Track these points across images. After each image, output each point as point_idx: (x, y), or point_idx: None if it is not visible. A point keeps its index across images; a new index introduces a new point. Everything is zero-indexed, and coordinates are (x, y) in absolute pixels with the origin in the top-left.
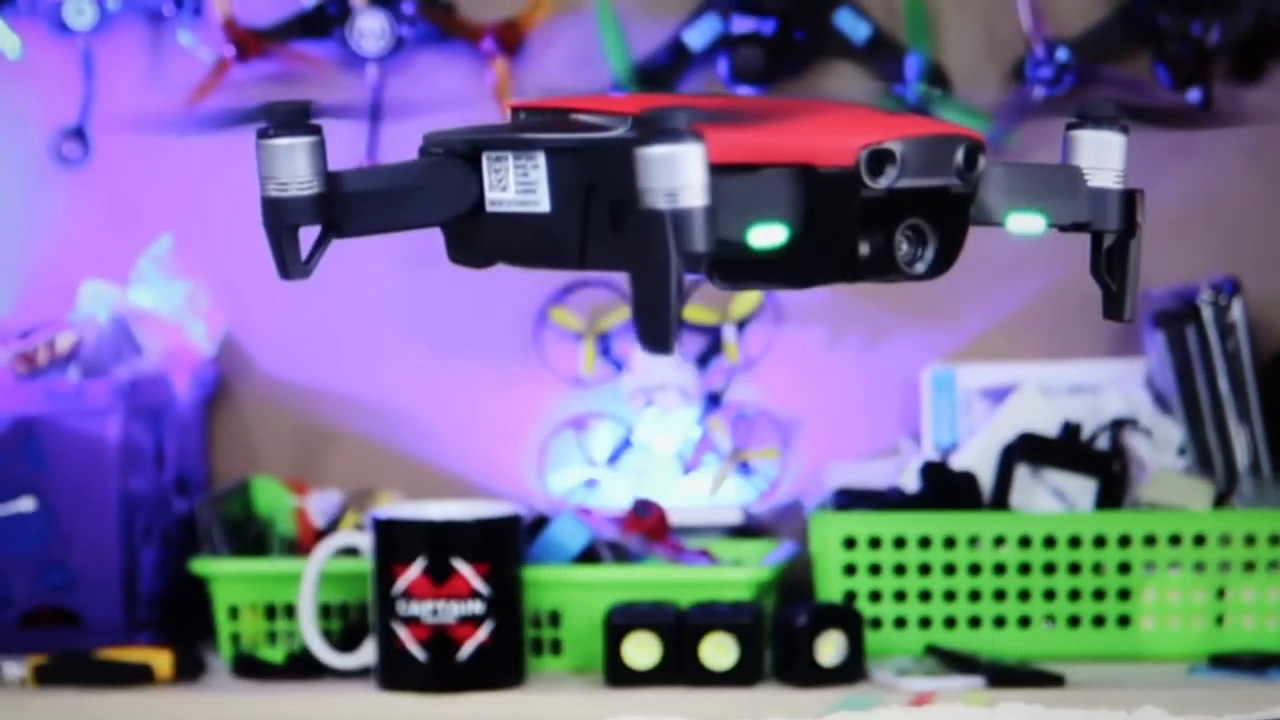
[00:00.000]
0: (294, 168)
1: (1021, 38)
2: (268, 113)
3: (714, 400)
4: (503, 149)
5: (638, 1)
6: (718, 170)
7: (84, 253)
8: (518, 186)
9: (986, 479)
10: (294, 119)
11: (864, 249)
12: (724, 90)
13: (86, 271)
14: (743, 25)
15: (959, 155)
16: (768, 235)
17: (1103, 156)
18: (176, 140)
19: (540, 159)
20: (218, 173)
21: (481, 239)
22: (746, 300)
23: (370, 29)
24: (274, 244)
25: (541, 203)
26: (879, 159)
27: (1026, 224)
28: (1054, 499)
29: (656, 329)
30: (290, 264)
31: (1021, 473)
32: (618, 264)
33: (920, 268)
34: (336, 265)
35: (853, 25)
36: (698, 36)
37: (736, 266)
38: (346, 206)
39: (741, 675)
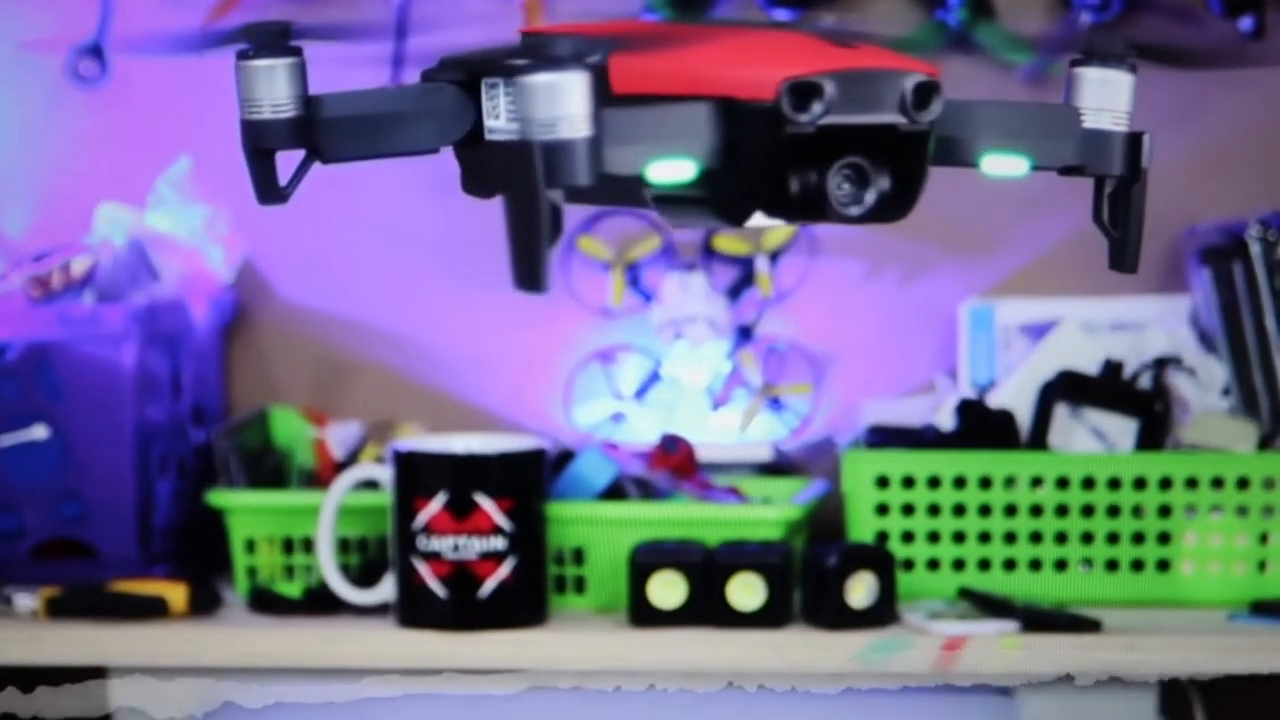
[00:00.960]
0: (272, 91)
1: None
2: (246, 33)
3: (745, 333)
4: (496, 75)
5: None
6: (625, 101)
7: (100, 174)
8: (508, 115)
9: (1024, 418)
10: (272, 40)
11: (794, 187)
12: (761, 16)
13: (102, 194)
14: None
15: (907, 92)
16: (669, 170)
17: (1106, 97)
18: (196, 61)
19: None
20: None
21: (482, 169)
22: (780, 232)
23: None
24: (251, 168)
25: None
26: (804, 93)
27: (1004, 165)
28: (1094, 439)
29: (528, 266)
30: (266, 188)
31: (1060, 412)
32: (606, 198)
33: (855, 210)
34: (357, 191)
35: None
36: None
37: (673, 200)
38: (326, 131)
39: (769, 616)
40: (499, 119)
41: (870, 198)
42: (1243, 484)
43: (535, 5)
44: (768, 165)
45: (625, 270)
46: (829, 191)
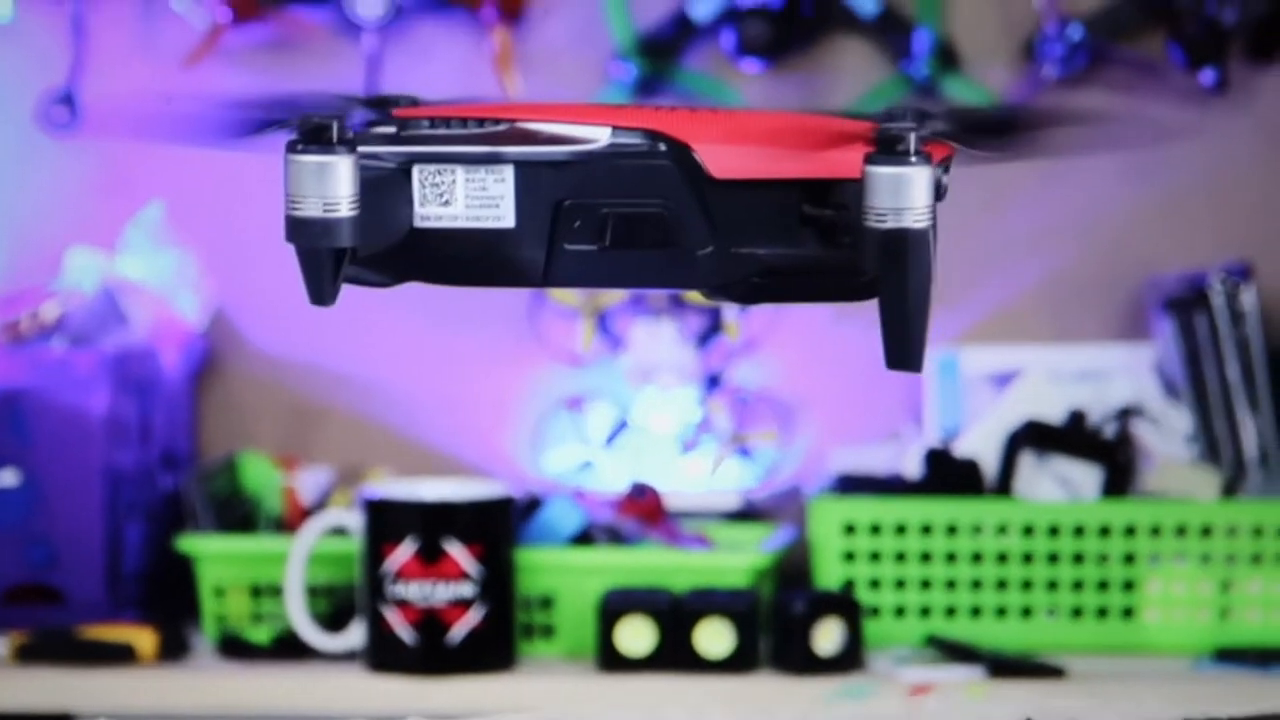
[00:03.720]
0: (321, 188)
1: (1034, 14)
2: (300, 125)
3: (714, 381)
4: (453, 162)
5: None
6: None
7: (71, 219)
8: (470, 201)
9: (991, 465)
10: (329, 133)
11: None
12: (727, 66)
13: (74, 238)
14: None
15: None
16: None
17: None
18: (167, 108)
19: (507, 172)
20: None
21: (402, 254)
22: None
23: None
24: (310, 267)
25: (505, 218)
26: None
27: None
28: (1059, 487)
29: (913, 349)
30: (326, 288)
31: (1026, 460)
32: (588, 281)
33: None
34: None
35: (861, 0)
36: (703, 8)
37: (771, 283)
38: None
39: (737, 663)
40: (450, 205)
41: None
42: (1206, 532)
43: (507, 58)
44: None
45: (595, 317)
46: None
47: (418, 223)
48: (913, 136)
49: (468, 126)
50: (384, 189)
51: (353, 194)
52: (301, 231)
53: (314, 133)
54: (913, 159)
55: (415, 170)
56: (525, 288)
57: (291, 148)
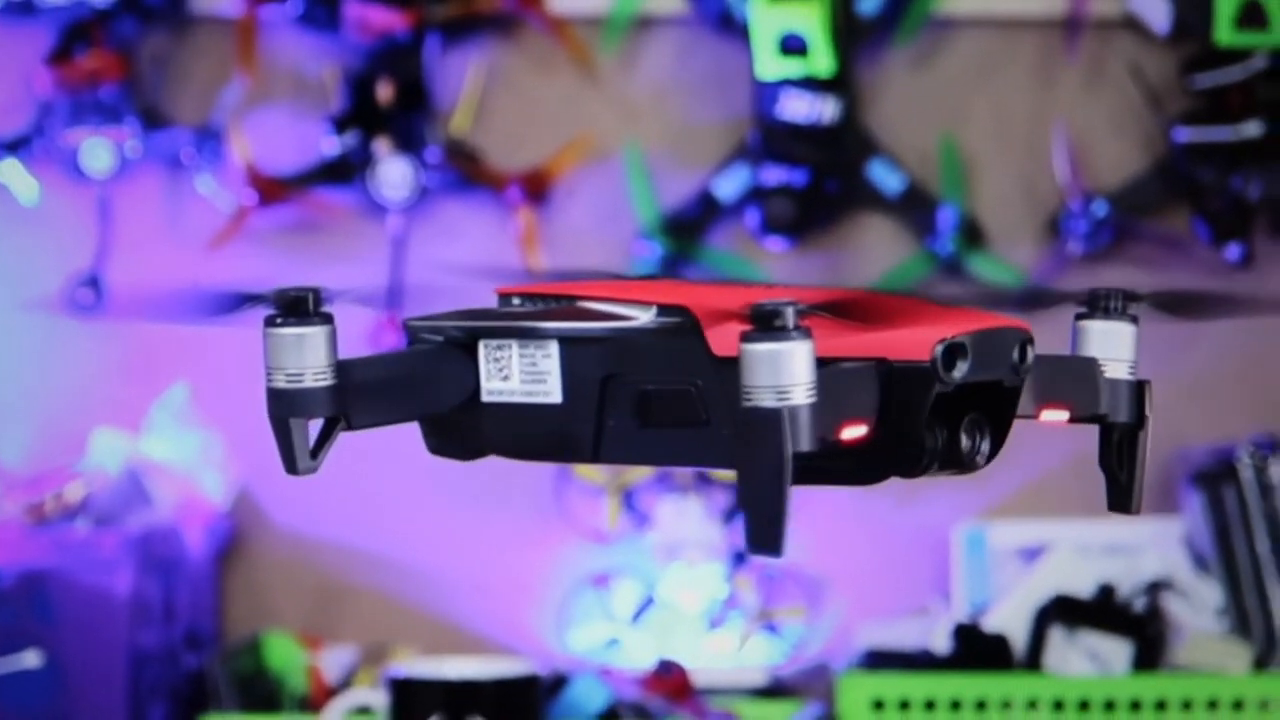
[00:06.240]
0: (302, 359)
1: (1058, 191)
2: (276, 300)
3: (740, 557)
4: (507, 337)
5: (666, 150)
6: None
7: (96, 400)
8: (524, 376)
9: (1020, 640)
10: (303, 306)
11: (930, 443)
12: (752, 244)
13: (99, 419)
14: (774, 176)
15: (1015, 349)
16: (855, 432)
17: (1113, 347)
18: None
19: (553, 348)
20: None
21: (473, 429)
22: None
23: (393, 177)
24: (281, 437)
25: (553, 394)
26: (952, 353)
27: (1055, 416)
28: (1089, 661)
29: (769, 532)
30: (299, 457)
31: (1056, 634)
32: (635, 458)
33: (980, 461)
34: None
35: (886, 177)
36: (727, 187)
37: (804, 467)
38: (357, 398)
39: None
40: (509, 380)
41: (985, 448)
42: (1238, 706)
43: (531, 237)
44: (913, 423)
45: (621, 494)
46: (959, 445)
47: (484, 397)
48: (790, 311)
49: (536, 304)
50: (450, 360)
51: (323, 365)
52: (272, 402)
53: (289, 306)
54: (792, 335)
55: (480, 345)
56: (579, 463)
57: (269, 321)
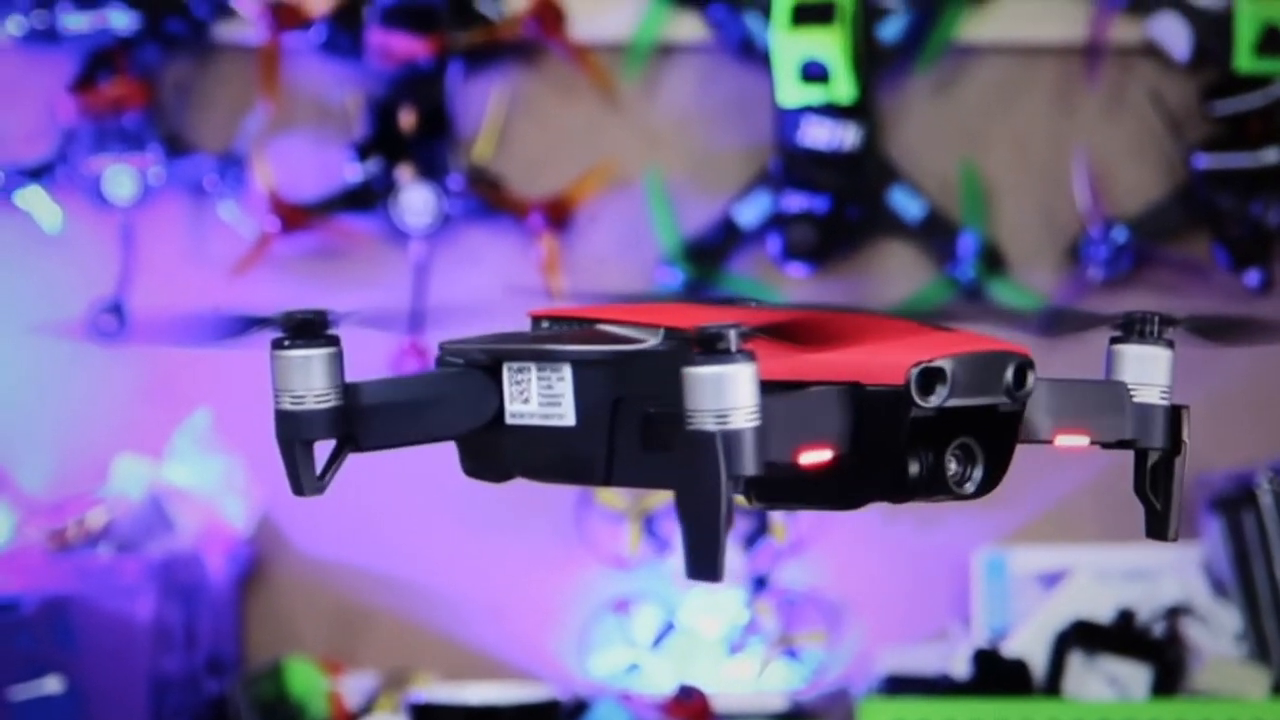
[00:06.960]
0: (309, 380)
1: (1079, 217)
2: (283, 322)
3: (760, 582)
4: (525, 360)
5: (688, 177)
6: (766, 389)
7: (119, 426)
8: (541, 399)
9: (1039, 665)
10: (310, 329)
11: (913, 469)
12: (774, 271)
13: (121, 446)
14: (795, 202)
15: (1009, 374)
16: (815, 456)
17: (1147, 371)
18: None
19: (566, 371)
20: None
21: (500, 452)
22: None
23: (416, 204)
24: (288, 459)
25: (566, 416)
26: (929, 377)
27: (1072, 441)
28: (1108, 686)
29: (705, 556)
30: (306, 479)
31: (1075, 659)
32: (646, 481)
33: (969, 488)
34: None
35: (907, 204)
36: (749, 213)
37: (778, 486)
38: (364, 420)
39: None
40: (529, 403)
41: (977, 474)
42: None
43: (554, 264)
44: (893, 448)
45: (641, 519)
46: (945, 471)
47: (508, 420)
48: (732, 334)
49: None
50: (466, 383)
51: (326, 387)
52: (278, 424)
53: (295, 329)
54: (734, 358)
55: (504, 368)
56: (593, 485)
57: (276, 344)
